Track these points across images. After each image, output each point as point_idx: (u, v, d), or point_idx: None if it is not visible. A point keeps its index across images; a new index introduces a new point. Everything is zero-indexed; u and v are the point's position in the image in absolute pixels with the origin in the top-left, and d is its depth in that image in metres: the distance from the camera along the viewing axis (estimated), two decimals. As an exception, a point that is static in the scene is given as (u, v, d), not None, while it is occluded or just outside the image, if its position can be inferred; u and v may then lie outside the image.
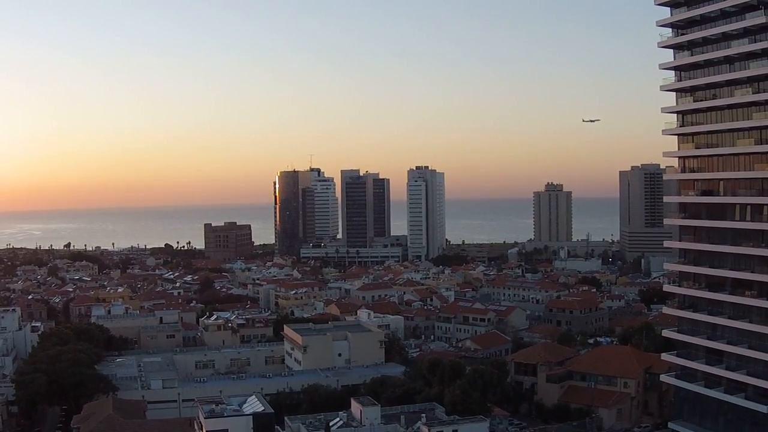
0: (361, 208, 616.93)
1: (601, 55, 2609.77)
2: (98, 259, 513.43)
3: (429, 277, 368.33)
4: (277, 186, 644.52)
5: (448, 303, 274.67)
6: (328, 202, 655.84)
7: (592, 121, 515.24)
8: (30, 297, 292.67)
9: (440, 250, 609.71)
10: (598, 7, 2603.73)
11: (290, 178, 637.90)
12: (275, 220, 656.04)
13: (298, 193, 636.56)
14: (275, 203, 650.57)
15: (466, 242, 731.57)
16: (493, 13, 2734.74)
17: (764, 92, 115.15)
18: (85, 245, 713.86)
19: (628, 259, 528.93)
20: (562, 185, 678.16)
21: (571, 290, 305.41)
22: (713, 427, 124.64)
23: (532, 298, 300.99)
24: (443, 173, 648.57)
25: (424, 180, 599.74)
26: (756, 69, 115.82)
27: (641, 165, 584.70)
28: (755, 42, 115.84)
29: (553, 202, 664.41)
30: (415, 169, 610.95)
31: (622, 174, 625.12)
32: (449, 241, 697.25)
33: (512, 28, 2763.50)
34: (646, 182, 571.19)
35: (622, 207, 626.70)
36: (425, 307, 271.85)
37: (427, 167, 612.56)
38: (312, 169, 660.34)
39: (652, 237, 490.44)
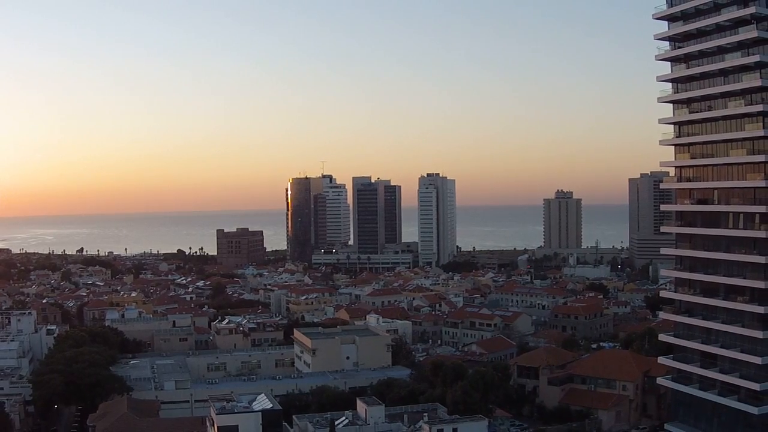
0: (373, 214, 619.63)
1: (611, 63, 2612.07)
2: (111, 264, 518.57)
3: (438, 283, 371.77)
4: (289, 192, 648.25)
5: (457, 309, 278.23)
6: (340, 209, 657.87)
7: None
8: (44, 301, 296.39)
9: (451, 256, 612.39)
10: (608, 16, 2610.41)
11: (302, 185, 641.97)
12: (287, 227, 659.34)
13: (310, 200, 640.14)
14: (287, 209, 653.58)
15: (476, 249, 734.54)
16: (503, 22, 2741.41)
17: (756, 104, 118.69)
18: (98, 250, 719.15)
19: (636, 265, 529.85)
20: (571, 192, 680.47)
21: (578, 296, 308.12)
22: (708, 428, 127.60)
23: (539, 304, 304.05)
24: (454, 180, 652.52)
25: (435, 187, 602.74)
26: (748, 81, 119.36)
27: (650, 172, 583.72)
28: (748, 55, 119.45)
29: (563, 209, 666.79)
30: (426, 176, 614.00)
31: (632, 181, 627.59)
32: (460, 248, 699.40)
33: (522, 37, 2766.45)
34: (655, 189, 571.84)
35: (632, 214, 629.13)
36: (433, 313, 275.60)
37: (437, 174, 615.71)
38: (324, 176, 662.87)
39: (661, 244, 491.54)
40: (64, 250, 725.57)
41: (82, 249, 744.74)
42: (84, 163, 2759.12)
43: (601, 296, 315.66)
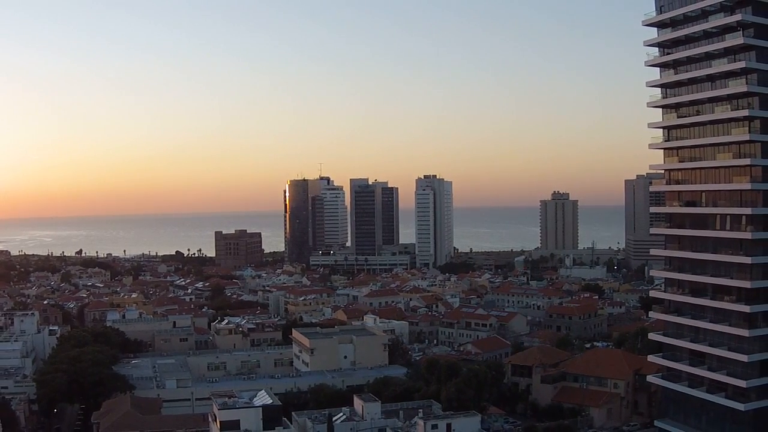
0: (370, 216, 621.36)
1: (608, 65, 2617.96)
2: (110, 266, 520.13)
3: (435, 285, 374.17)
4: (287, 194, 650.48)
5: (453, 309, 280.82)
6: (338, 211, 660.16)
7: None
8: (45, 302, 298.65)
9: (448, 257, 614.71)
10: (603, 18, 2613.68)
11: (300, 187, 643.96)
12: (285, 228, 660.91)
13: (308, 202, 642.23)
14: (285, 211, 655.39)
15: (473, 250, 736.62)
16: (501, 23, 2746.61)
17: (742, 109, 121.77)
18: (97, 252, 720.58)
19: (632, 266, 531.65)
20: (568, 194, 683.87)
21: (573, 297, 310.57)
22: (697, 424, 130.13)
23: (534, 304, 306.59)
24: (451, 182, 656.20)
25: (432, 189, 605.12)
26: (735, 87, 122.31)
27: (646, 174, 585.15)
28: (735, 61, 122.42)
29: (559, 211, 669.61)
30: (423, 177, 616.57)
31: (628, 183, 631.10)
32: (457, 249, 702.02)
33: (520, 39, 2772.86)
34: (651, 191, 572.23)
35: (627, 215, 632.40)
36: (430, 313, 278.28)
37: (435, 176, 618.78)
38: (321, 178, 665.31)
39: (655, 245, 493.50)
40: (63, 252, 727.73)
41: (80, 251, 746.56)
42: (80, 164, 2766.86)
43: (597, 297, 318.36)
